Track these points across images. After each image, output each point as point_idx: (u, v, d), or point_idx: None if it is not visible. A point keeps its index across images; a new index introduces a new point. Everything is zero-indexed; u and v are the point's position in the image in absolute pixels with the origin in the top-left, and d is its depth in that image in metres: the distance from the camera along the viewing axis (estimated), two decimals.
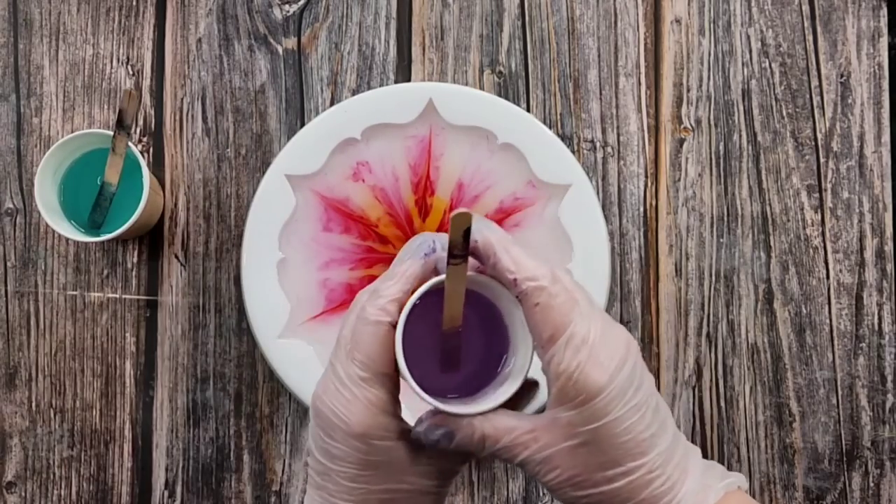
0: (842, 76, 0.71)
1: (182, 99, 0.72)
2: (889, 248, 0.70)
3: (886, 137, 0.71)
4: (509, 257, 0.41)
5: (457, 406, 0.41)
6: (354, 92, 0.72)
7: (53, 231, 0.70)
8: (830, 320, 0.70)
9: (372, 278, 0.69)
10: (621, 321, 0.70)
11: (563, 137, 0.71)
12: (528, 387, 0.44)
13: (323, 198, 0.69)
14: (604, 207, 0.71)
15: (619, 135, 0.71)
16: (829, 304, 0.70)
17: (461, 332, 0.43)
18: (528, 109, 0.71)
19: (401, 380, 0.41)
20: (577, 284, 0.42)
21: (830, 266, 0.70)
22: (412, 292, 0.41)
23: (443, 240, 0.43)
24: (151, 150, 0.72)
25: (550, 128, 0.70)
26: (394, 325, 0.41)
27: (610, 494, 0.40)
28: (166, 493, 0.70)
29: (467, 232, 0.40)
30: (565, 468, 0.40)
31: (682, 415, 0.70)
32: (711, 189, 0.71)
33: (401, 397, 0.43)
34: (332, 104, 0.72)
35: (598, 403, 0.39)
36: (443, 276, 0.41)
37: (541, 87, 0.72)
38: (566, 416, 0.39)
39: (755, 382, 0.70)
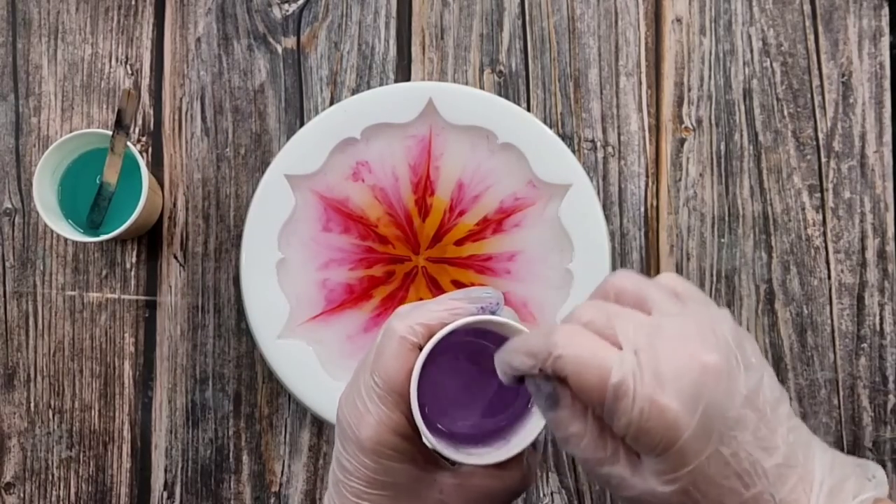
0: (843, 76, 0.71)
1: (181, 98, 0.72)
2: (891, 248, 0.70)
3: (888, 137, 0.71)
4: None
5: (454, 452, 0.40)
6: (354, 91, 0.72)
7: (52, 231, 0.70)
8: (832, 321, 0.70)
9: (372, 278, 0.68)
10: None
11: (563, 137, 0.70)
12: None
13: (322, 198, 0.69)
14: (604, 207, 0.70)
15: (619, 134, 0.71)
16: (831, 304, 0.70)
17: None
18: (528, 109, 0.71)
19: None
20: (606, 307, 0.36)
21: (832, 266, 0.70)
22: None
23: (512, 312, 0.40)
24: (150, 149, 0.71)
25: (551, 127, 0.70)
26: (419, 347, 0.40)
27: None
28: (165, 494, 0.69)
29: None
30: None
31: None
32: (712, 189, 0.71)
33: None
34: (331, 104, 0.71)
35: (682, 446, 0.33)
36: (479, 318, 0.39)
37: (541, 86, 0.72)
38: (652, 463, 0.34)
39: None
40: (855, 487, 0.35)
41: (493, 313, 0.40)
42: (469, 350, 0.42)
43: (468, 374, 0.42)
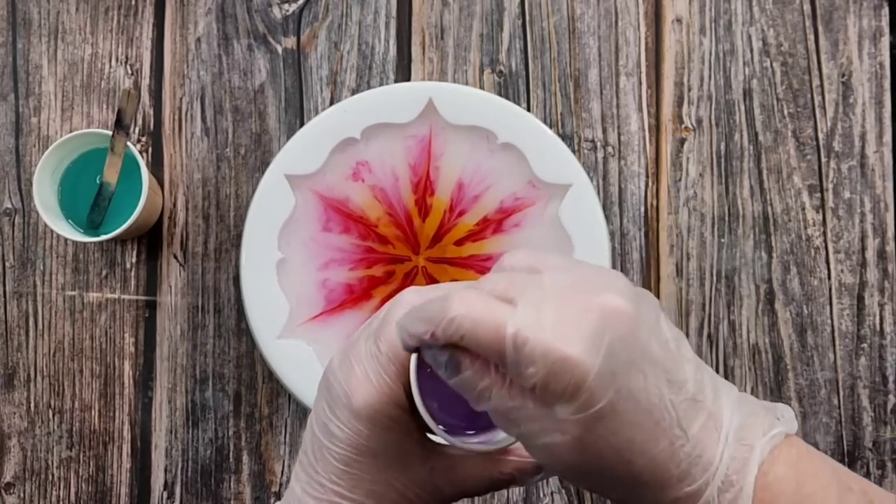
0: (843, 76, 0.71)
1: (181, 98, 0.72)
2: (891, 248, 0.70)
3: (888, 137, 0.71)
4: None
5: (467, 439, 0.39)
6: (354, 91, 0.72)
7: (52, 231, 0.70)
8: (832, 321, 0.70)
9: (372, 278, 0.68)
10: None
11: (563, 137, 0.70)
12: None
13: (322, 198, 0.69)
14: (604, 207, 0.70)
15: (619, 134, 0.71)
16: (831, 304, 0.70)
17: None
18: (528, 109, 0.71)
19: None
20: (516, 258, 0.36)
21: (832, 266, 0.70)
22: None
23: None
24: (150, 149, 0.71)
25: (551, 127, 0.70)
26: None
27: (625, 482, 0.34)
28: (165, 494, 0.69)
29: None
30: (574, 460, 0.34)
31: None
32: (712, 189, 0.71)
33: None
34: (331, 104, 0.71)
35: (589, 386, 0.32)
36: None
37: (541, 86, 0.72)
38: (564, 410, 0.33)
39: (756, 383, 0.69)
40: (765, 424, 0.35)
41: None
42: None
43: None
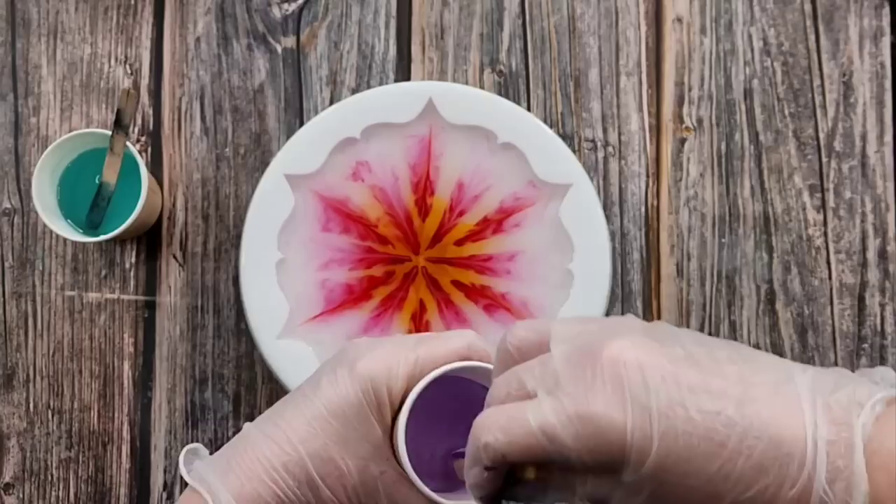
0: (844, 75, 0.71)
1: (180, 98, 0.72)
2: (892, 248, 0.70)
3: (889, 137, 0.71)
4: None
5: (446, 495, 0.40)
6: (354, 91, 0.72)
7: (51, 231, 0.70)
8: (833, 321, 0.70)
9: (371, 279, 0.68)
10: None
11: (563, 137, 0.70)
12: None
13: (322, 198, 0.69)
14: (605, 207, 0.70)
15: (620, 134, 0.71)
16: (832, 304, 0.70)
17: None
18: (528, 109, 0.71)
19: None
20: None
21: (833, 266, 0.70)
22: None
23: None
24: (150, 149, 0.71)
25: (551, 127, 0.70)
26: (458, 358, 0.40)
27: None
28: (164, 495, 0.69)
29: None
30: None
31: None
32: (713, 189, 0.71)
33: None
34: (331, 103, 0.71)
35: (633, 442, 0.31)
36: (469, 363, 0.40)
37: (541, 86, 0.71)
38: (623, 475, 0.32)
39: None
40: (861, 394, 0.31)
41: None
42: (461, 393, 0.42)
43: (447, 412, 0.42)
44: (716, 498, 0.31)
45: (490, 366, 0.39)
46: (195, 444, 0.44)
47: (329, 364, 0.41)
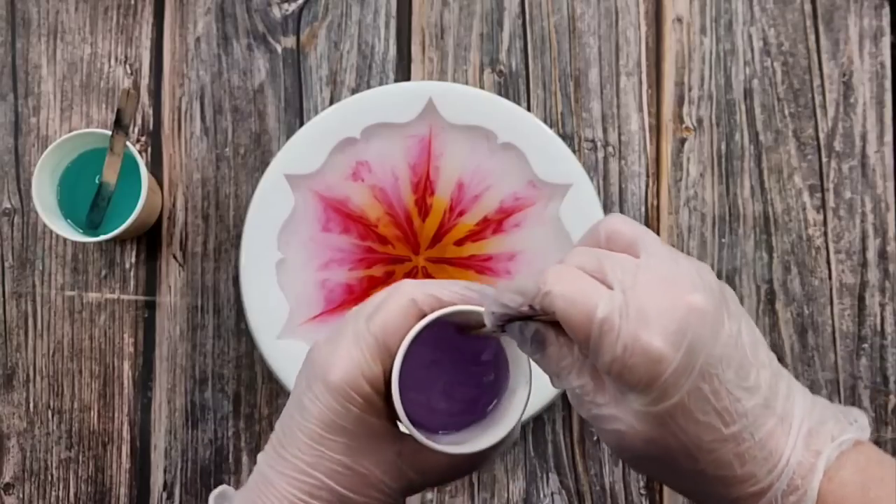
0: (844, 75, 0.71)
1: (180, 98, 0.72)
2: (892, 248, 0.70)
3: (889, 137, 0.71)
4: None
5: (442, 443, 0.39)
6: (354, 91, 0.72)
7: (51, 231, 0.70)
8: (833, 321, 0.70)
9: (371, 279, 0.68)
10: None
11: (563, 137, 0.70)
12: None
13: (322, 198, 0.69)
14: (605, 207, 0.70)
15: (620, 134, 0.71)
16: (832, 304, 0.70)
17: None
18: (528, 109, 0.71)
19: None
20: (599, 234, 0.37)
21: (833, 266, 0.70)
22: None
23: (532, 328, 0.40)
24: (150, 149, 0.71)
25: (551, 127, 0.70)
26: (422, 315, 0.39)
27: (690, 476, 0.35)
28: (164, 495, 0.69)
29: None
30: (641, 450, 0.35)
31: None
32: (713, 189, 0.71)
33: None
34: (331, 103, 0.71)
35: (664, 381, 0.33)
36: (468, 308, 0.39)
37: (541, 86, 0.71)
38: (636, 398, 0.34)
39: None
40: (835, 429, 0.35)
41: (505, 317, 0.40)
42: (451, 343, 0.42)
43: (448, 364, 0.42)
44: (690, 460, 0.35)
45: (456, 308, 0.39)
46: (223, 488, 0.44)
47: (303, 378, 0.41)
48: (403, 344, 0.39)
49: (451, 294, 0.40)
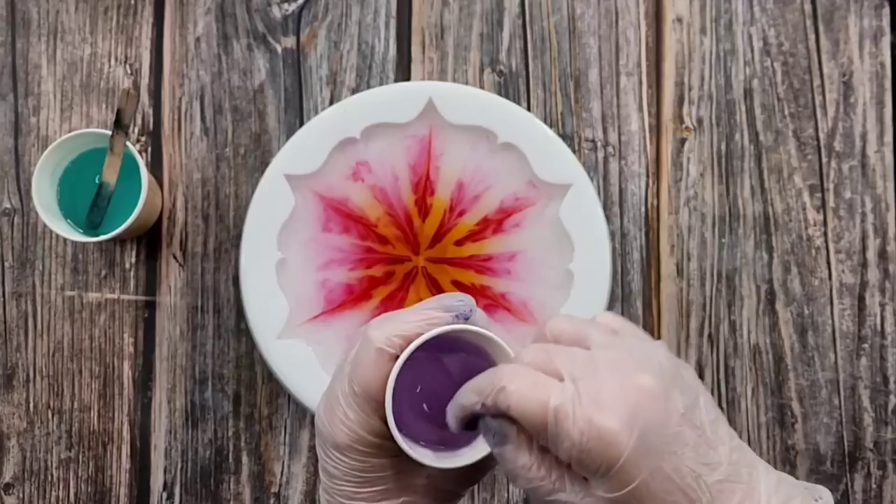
0: (844, 75, 0.71)
1: (180, 98, 0.72)
2: (892, 248, 0.70)
3: (889, 137, 0.71)
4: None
5: (431, 457, 0.41)
6: (354, 91, 0.72)
7: (51, 231, 0.70)
8: (833, 321, 0.70)
9: (371, 279, 0.68)
10: None
11: (563, 137, 0.70)
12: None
13: (322, 198, 0.69)
14: (605, 207, 0.70)
15: (620, 134, 0.71)
16: (832, 304, 0.70)
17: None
18: (528, 109, 0.71)
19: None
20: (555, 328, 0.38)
21: (833, 266, 0.70)
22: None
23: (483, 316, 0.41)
24: (150, 149, 0.71)
25: (551, 127, 0.70)
26: (395, 357, 0.40)
27: None
28: (164, 495, 0.69)
29: None
30: None
31: None
32: (713, 189, 0.71)
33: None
34: (331, 103, 0.71)
35: (623, 467, 0.34)
36: (451, 327, 0.40)
37: (541, 86, 0.71)
38: (598, 485, 0.35)
39: (757, 383, 0.69)
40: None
41: (466, 319, 0.41)
42: (442, 355, 0.43)
43: (442, 378, 0.43)
44: None
45: (421, 339, 0.40)
46: None
47: (320, 448, 0.43)
48: (388, 391, 0.40)
49: (413, 326, 0.41)
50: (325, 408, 0.42)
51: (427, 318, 0.41)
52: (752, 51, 0.71)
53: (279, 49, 0.72)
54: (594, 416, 0.34)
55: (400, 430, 0.40)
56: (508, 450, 0.37)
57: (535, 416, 0.35)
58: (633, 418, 0.34)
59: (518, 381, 0.36)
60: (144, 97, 0.72)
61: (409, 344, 0.40)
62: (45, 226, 0.70)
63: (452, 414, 0.39)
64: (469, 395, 0.38)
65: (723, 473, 0.35)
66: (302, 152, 0.68)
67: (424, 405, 0.43)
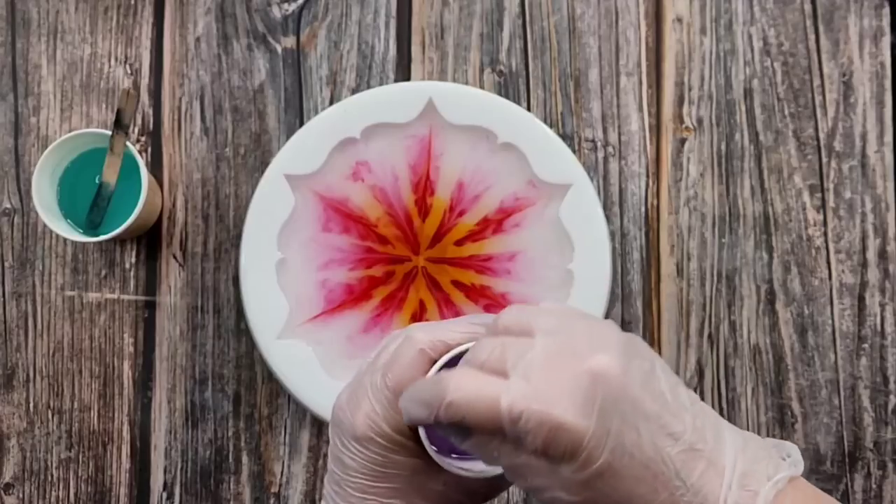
0: (844, 75, 0.71)
1: (180, 98, 0.72)
2: (892, 248, 0.70)
3: (889, 137, 0.71)
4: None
5: (450, 463, 0.41)
6: (354, 91, 0.72)
7: (51, 231, 0.70)
8: (833, 321, 0.70)
9: (371, 279, 0.68)
10: (622, 322, 0.70)
11: (563, 137, 0.70)
12: None
13: (322, 198, 0.69)
14: (605, 207, 0.70)
15: (620, 134, 0.71)
16: (832, 304, 0.70)
17: None
18: (528, 109, 0.71)
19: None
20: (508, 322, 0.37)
21: (833, 266, 0.70)
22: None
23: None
24: (150, 149, 0.71)
25: (551, 127, 0.70)
26: (434, 362, 0.41)
27: None
28: (164, 495, 0.69)
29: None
30: None
31: None
32: (713, 189, 0.71)
33: None
34: (331, 103, 0.71)
35: (585, 448, 0.34)
36: (469, 345, 0.40)
37: (541, 86, 0.71)
38: (567, 469, 0.35)
39: (757, 383, 0.69)
40: (769, 468, 0.36)
41: None
42: None
43: None
44: None
45: (458, 349, 0.41)
46: None
47: (335, 438, 0.43)
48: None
49: (457, 335, 0.41)
50: (348, 398, 0.42)
51: (473, 331, 0.41)
52: (752, 51, 0.71)
53: (279, 49, 0.72)
54: (548, 408, 0.34)
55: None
56: (475, 441, 0.37)
57: (490, 422, 0.35)
58: (590, 402, 0.34)
59: (462, 390, 0.35)
60: (144, 97, 0.72)
61: (448, 349, 0.41)
62: (45, 226, 0.70)
63: (406, 420, 0.39)
64: (418, 409, 0.37)
65: (685, 442, 0.35)
66: (302, 152, 0.68)
67: None
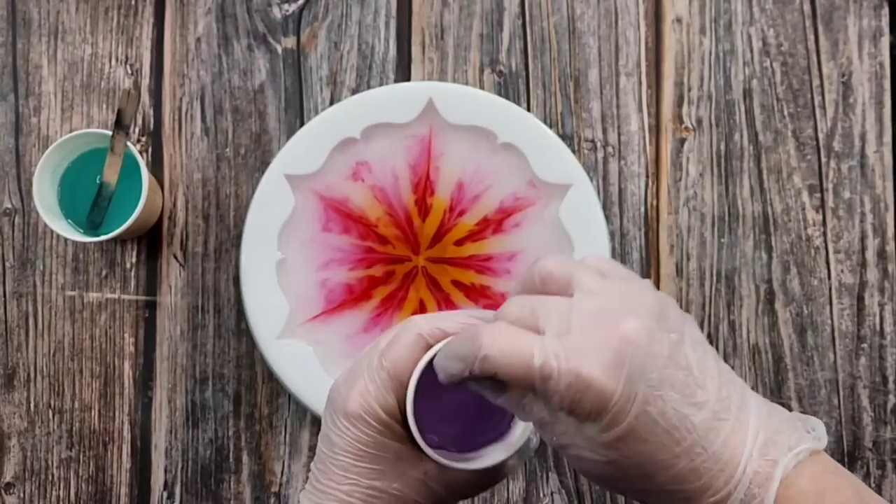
0: (843, 75, 0.71)
1: (181, 98, 0.72)
2: (891, 248, 0.70)
3: (888, 137, 0.71)
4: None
5: (434, 453, 0.41)
6: (354, 91, 0.72)
7: (52, 231, 0.70)
8: (832, 321, 0.70)
9: (371, 278, 0.68)
10: None
11: (563, 137, 0.70)
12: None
13: (322, 198, 0.69)
14: (604, 207, 0.70)
15: (619, 134, 0.71)
16: (831, 304, 0.70)
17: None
18: (528, 109, 0.71)
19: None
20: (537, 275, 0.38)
21: (832, 266, 0.70)
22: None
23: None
24: (150, 149, 0.71)
25: (551, 127, 0.70)
26: (430, 347, 0.41)
27: (650, 492, 0.37)
28: (165, 495, 0.69)
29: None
30: (602, 472, 0.37)
31: None
32: (712, 189, 0.71)
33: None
34: (331, 103, 0.71)
35: (612, 410, 0.35)
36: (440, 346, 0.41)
37: (541, 86, 0.72)
38: (592, 428, 0.36)
39: (756, 383, 0.69)
40: (792, 439, 0.36)
41: None
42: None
43: (465, 391, 0.43)
44: (648, 479, 0.36)
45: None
46: None
47: (327, 415, 0.44)
48: (413, 375, 0.41)
49: (455, 325, 0.42)
50: (344, 378, 0.43)
51: (471, 323, 0.42)
52: (752, 51, 0.71)
53: (279, 49, 0.72)
54: (579, 368, 0.35)
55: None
56: (511, 395, 0.38)
57: (522, 377, 0.36)
58: (618, 367, 0.35)
59: (498, 343, 0.36)
60: (145, 97, 0.72)
61: (446, 337, 0.41)
62: (45, 226, 0.70)
63: (441, 376, 0.39)
64: (454, 364, 0.38)
65: (710, 411, 0.36)
66: (302, 152, 0.68)
67: (442, 408, 0.43)
